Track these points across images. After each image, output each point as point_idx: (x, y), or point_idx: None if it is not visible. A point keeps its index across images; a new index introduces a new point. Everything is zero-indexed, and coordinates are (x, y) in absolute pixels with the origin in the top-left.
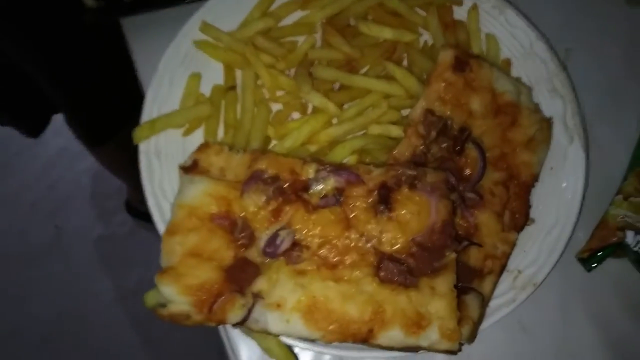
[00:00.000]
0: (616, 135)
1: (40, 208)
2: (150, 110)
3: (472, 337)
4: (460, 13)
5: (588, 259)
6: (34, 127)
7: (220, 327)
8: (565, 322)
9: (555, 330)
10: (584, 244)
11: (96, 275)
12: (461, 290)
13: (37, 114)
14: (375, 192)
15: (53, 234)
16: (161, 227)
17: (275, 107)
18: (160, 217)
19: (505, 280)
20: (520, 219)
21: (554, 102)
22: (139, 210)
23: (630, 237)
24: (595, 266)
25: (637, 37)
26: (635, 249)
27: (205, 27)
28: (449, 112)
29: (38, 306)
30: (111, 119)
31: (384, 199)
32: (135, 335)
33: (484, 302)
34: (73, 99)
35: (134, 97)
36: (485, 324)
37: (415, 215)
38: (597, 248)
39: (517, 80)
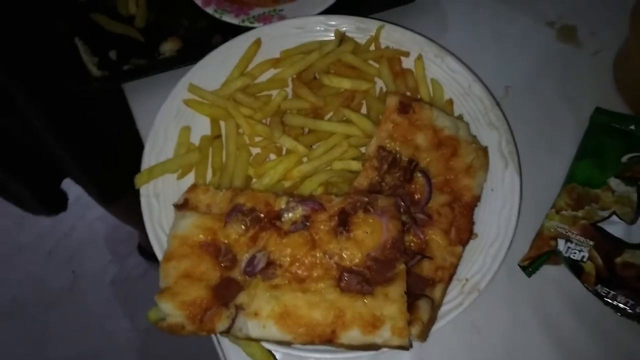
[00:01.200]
0: (553, 158)
1: (57, 255)
2: (148, 159)
3: (423, 336)
4: (408, 63)
5: (528, 266)
6: (50, 203)
7: (215, 341)
8: (515, 322)
9: (506, 330)
10: (524, 253)
11: (111, 316)
12: (414, 297)
13: (49, 185)
14: (336, 217)
15: (70, 280)
16: (159, 253)
17: (255, 150)
18: (159, 247)
19: (455, 288)
20: (465, 234)
21: (491, 133)
22: (151, 252)
23: (561, 245)
24: (534, 272)
25: (568, 70)
26: (566, 254)
27: (192, 88)
28: (398, 147)
29: (57, 349)
30: (121, 178)
31: (343, 222)
32: None
33: (435, 306)
34: (84, 162)
35: (139, 154)
36: (438, 325)
37: (370, 234)
38: (535, 256)
39: (458, 117)
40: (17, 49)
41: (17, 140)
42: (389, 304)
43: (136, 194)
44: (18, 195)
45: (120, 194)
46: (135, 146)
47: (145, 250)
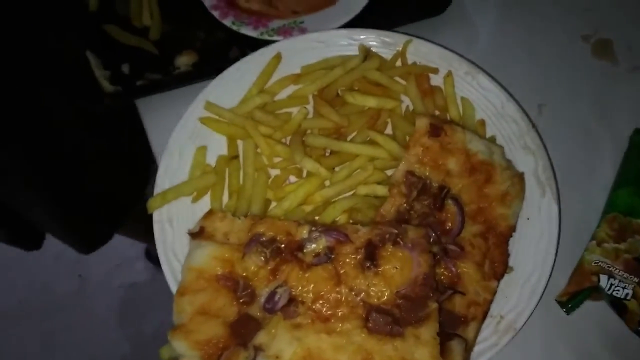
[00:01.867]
0: (591, 182)
1: (64, 259)
2: (162, 182)
3: None
4: (437, 80)
5: (567, 302)
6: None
7: None
8: None
9: None
10: (562, 288)
11: (118, 321)
12: (446, 336)
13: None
14: (362, 250)
15: (77, 284)
16: (172, 285)
17: (274, 172)
18: (173, 276)
19: (489, 326)
20: (500, 267)
21: (526, 158)
22: (159, 257)
23: (604, 281)
24: (574, 309)
25: (604, 87)
26: (609, 292)
27: (209, 106)
28: (428, 173)
29: (63, 355)
30: (126, 197)
31: (370, 255)
32: None
33: (468, 347)
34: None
35: (147, 172)
36: None
37: (399, 269)
38: (575, 292)
39: (491, 139)
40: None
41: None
42: (421, 347)
43: (142, 211)
44: None
45: (103, 241)
46: (146, 167)
47: (153, 255)
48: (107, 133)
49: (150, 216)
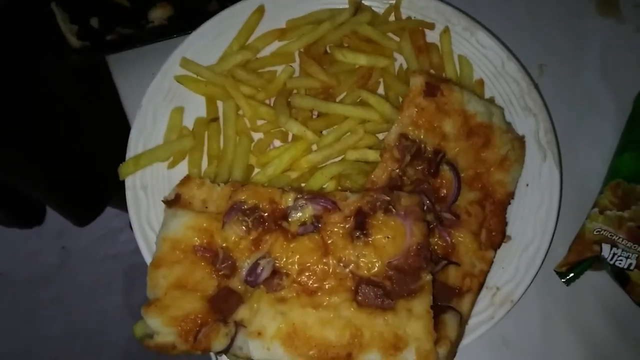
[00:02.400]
0: (593, 146)
1: (47, 230)
2: (135, 146)
3: (450, 357)
4: (433, 36)
5: (566, 272)
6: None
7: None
8: (548, 335)
9: (538, 344)
10: (562, 258)
11: (104, 294)
12: (439, 309)
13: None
14: (352, 218)
15: (60, 255)
16: (147, 256)
17: (257, 136)
18: (147, 248)
19: (484, 298)
20: (497, 236)
21: (527, 120)
22: None
23: (606, 251)
24: (574, 280)
25: (611, 47)
26: (612, 262)
27: (186, 63)
28: (422, 136)
29: (49, 326)
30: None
31: (360, 224)
32: (143, 351)
33: (463, 320)
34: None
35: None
36: (465, 341)
37: (391, 239)
38: (575, 262)
39: (490, 100)
40: None
41: None
42: (413, 321)
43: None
44: None
45: (97, 213)
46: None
47: None
48: (84, 95)
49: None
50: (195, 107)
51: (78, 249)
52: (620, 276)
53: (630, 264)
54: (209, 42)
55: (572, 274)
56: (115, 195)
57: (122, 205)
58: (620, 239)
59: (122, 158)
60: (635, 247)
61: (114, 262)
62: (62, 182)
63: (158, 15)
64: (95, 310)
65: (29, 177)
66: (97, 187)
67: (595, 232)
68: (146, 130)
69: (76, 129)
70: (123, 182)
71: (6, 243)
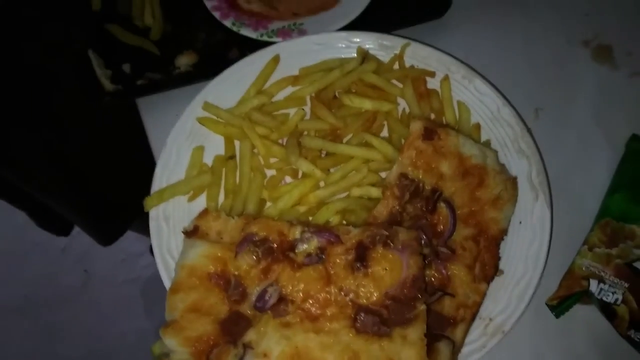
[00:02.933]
0: (586, 187)
1: (69, 253)
2: (159, 181)
3: None
4: (433, 83)
5: (557, 306)
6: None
7: None
8: None
9: None
10: (553, 292)
11: (122, 316)
12: (434, 337)
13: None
14: (353, 251)
15: (82, 278)
16: (166, 282)
17: (270, 172)
18: (167, 275)
19: (477, 328)
20: (490, 270)
21: (520, 162)
22: None
23: (594, 286)
24: (563, 312)
25: (604, 93)
26: (599, 297)
27: (207, 106)
28: (421, 176)
29: (67, 348)
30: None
31: (361, 256)
32: None
33: (456, 348)
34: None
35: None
36: None
37: (389, 271)
38: (565, 296)
39: (486, 143)
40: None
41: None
42: (407, 348)
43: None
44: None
45: (120, 235)
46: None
47: None
48: (115, 133)
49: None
50: (215, 146)
51: (99, 272)
52: (607, 310)
53: (617, 299)
54: (229, 87)
55: (561, 307)
56: (137, 220)
57: (143, 230)
58: (608, 275)
59: (143, 187)
60: (621, 283)
61: (133, 286)
62: (92, 205)
63: (184, 62)
64: (114, 332)
65: (65, 200)
66: (120, 212)
67: (584, 268)
68: (169, 167)
69: (106, 161)
70: (142, 209)
71: (30, 266)
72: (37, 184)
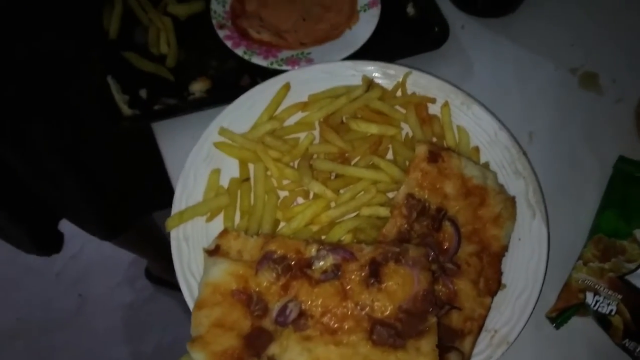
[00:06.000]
0: (579, 205)
1: (64, 278)
2: (179, 203)
3: None
4: (434, 109)
5: (556, 317)
6: (46, 245)
7: None
8: None
9: None
10: (552, 304)
11: (117, 340)
12: (445, 349)
13: (46, 226)
14: (367, 267)
15: (77, 302)
16: (189, 300)
17: (283, 194)
18: (189, 293)
19: (484, 339)
20: (494, 285)
21: (517, 183)
22: (158, 276)
23: (589, 298)
24: (562, 324)
25: (592, 117)
26: (595, 308)
27: (223, 131)
28: (426, 196)
29: None
30: (128, 212)
31: (374, 272)
32: None
33: (465, 359)
34: (91, 198)
35: (153, 191)
36: None
37: (401, 286)
38: (563, 308)
39: (485, 165)
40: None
41: (12, 175)
42: (422, 358)
43: (145, 227)
44: (14, 237)
45: (124, 229)
46: (153, 186)
47: (153, 274)
48: (131, 151)
49: (153, 233)
50: (230, 169)
51: (94, 296)
52: (603, 321)
53: (612, 310)
54: (242, 113)
55: (560, 319)
56: (130, 239)
57: (138, 250)
58: (602, 288)
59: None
60: (615, 294)
61: (128, 310)
62: (98, 197)
63: (198, 88)
64: (108, 357)
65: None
66: (125, 207)
67: (580, 282)
68: (188, 189)
69: (119, 183)
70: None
71: (25, 289)
72: (46, 174)
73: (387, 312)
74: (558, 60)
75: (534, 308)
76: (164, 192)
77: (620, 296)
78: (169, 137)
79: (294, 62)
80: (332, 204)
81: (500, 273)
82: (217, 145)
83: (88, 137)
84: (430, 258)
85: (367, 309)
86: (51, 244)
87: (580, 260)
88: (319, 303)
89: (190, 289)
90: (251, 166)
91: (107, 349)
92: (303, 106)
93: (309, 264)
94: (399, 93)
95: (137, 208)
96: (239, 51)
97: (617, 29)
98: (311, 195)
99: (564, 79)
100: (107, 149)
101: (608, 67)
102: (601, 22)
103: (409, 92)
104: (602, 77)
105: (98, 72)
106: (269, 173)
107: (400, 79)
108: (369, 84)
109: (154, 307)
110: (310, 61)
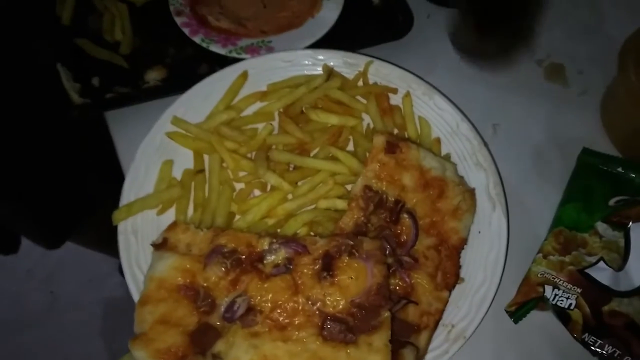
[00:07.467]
0: (541, 198)
1: (35, 275)
2: (128, 195)
3: None
4: (396, 99)
5: (515, 312)
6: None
7: None
8: None
9: None
10: (511, 298)
11: (90, 337)
12: (399, 344)
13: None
14: (320, 261)
15: (49, 299)
16: (135, 295)
17: (239, 186)
18: (136, 287)
19: (440, 334)
20: (452, 278)
21: (478, 175)
22: None
23: (549, 292)
24: (521, 318)
25: (557, 109)
26: (554, 302)
27: (176, 121)
28: (384, 188)
29: None
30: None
31: (327, 266)
32: None
33: (420, 354)
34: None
35: (108, 183)
36: None
37: (354, 279)
38: (522, 302)
39: (446, 157)
40: None
41: None
42: (373, 354)
43: (101, 220)
44: None
45: (67, 236)
46: (108, 178)
47: None
48: (77, 141)
49: (110, 227)
50: (184, 160)
51: (66, 293)
52: (562, 315)
53: (571, 304)
54: (198, 102)
55: (519, 313)
56: (87, 234)
57: (109, 250)
58: (562, 282)
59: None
60: (574, 288)
61: (101, 307)
62: (41, 207)
63: (153, 76)
64: (82, 353)
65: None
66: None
67: (539, 275)
68: (138, 181)
69: (72, 175)
70: (95, 220)
71: None
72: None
73: (339, 307)
74: (524, 51)
75: (491, 302)
76: (117, 187)
77: (579, 290)
78: (122, 127)
79: (253, 50)
80: (289, 197)
81: (458, 266)
82: (170, 135)
83: (35, 128)
84: (386, 251)
85: (319, 303)
86: (6, 243)
87: (540, 253)
88: (269, 298)
89: (137, 285)
90: (206, 157)
91: (80, 345)
92: (262, 96)
93: (260, 258)
94: (360, 83)
95: (81, 211)
96: (197, 39)
97: (582, 19)
98: (268, 188)
99: (530, 71)
100: (53, 142)
101: (574, 58)
102: (568, 12)
103: (371, 81)
104: (568, 69)
105: (48, 58)
106: (224, 164)
107: (362, 69)
108: (330, 73)
109: (128, 304)
110: (270, 50)
